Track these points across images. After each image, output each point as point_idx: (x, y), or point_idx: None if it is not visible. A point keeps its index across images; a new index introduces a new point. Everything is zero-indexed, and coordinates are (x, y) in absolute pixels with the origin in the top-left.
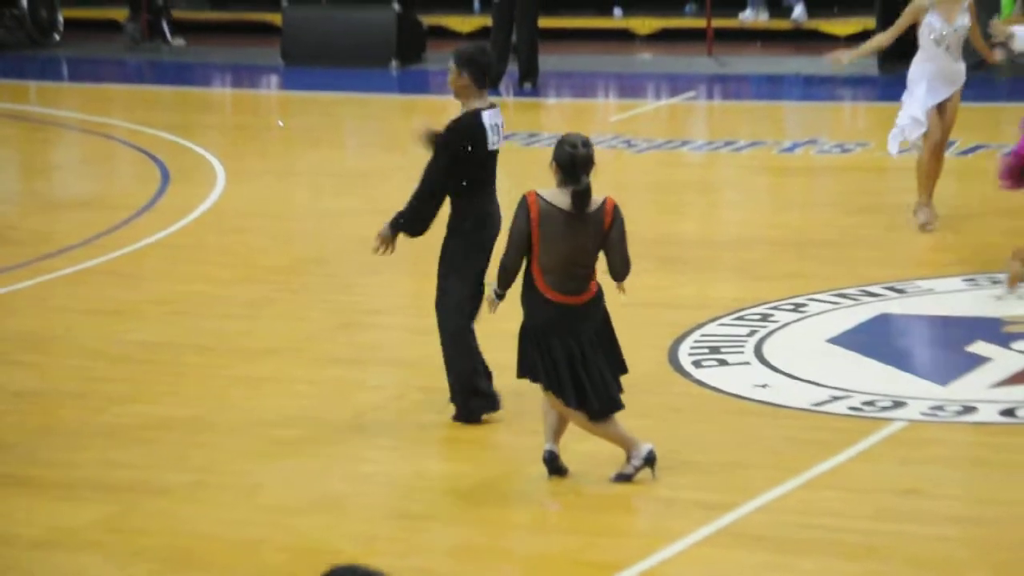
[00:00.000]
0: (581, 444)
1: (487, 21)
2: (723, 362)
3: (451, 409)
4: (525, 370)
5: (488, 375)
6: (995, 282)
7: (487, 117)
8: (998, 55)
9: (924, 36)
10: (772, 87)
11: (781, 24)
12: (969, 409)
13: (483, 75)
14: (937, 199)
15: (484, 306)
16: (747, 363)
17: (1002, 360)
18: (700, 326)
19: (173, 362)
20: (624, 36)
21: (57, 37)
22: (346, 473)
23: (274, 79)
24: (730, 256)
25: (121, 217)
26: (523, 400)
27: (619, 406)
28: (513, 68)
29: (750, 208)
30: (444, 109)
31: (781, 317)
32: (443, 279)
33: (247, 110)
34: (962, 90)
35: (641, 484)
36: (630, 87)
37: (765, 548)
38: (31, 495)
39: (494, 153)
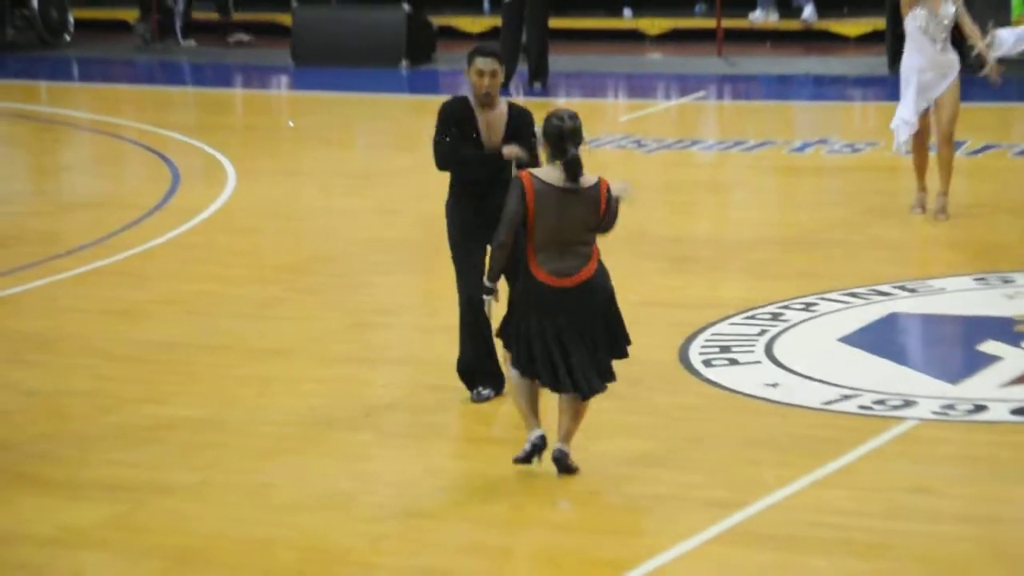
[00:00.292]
0: (593, 443)
1: (497, 21)
2: (734, 361)
3: (461, 407)
4: (501, 334)
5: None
6: (1006, 281)
7: None
8: (994, 73)
9: (910, 25)
10: (782, 87)
11: (791, 24)
12: (980, 408)
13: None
14: (949, 198)
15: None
16: (758, 362)
17: (1013, 359)
18: (711, 325)
19: (183, 362)
20: (634, 36)
21: (68, 37)
22: (355, 472)
23: (284, 79)
24: (740, 255)
25: (131, 217)
26: None
27: (593, 391)
28: (523, 68)
29: (760, 208)
30: None
31: (792, 316)
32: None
33: (257, 110)
34: (959, 81)
35: (651, 483)
36: (640, 87)
37: (775, 547)
38: (40, 494)
39: None
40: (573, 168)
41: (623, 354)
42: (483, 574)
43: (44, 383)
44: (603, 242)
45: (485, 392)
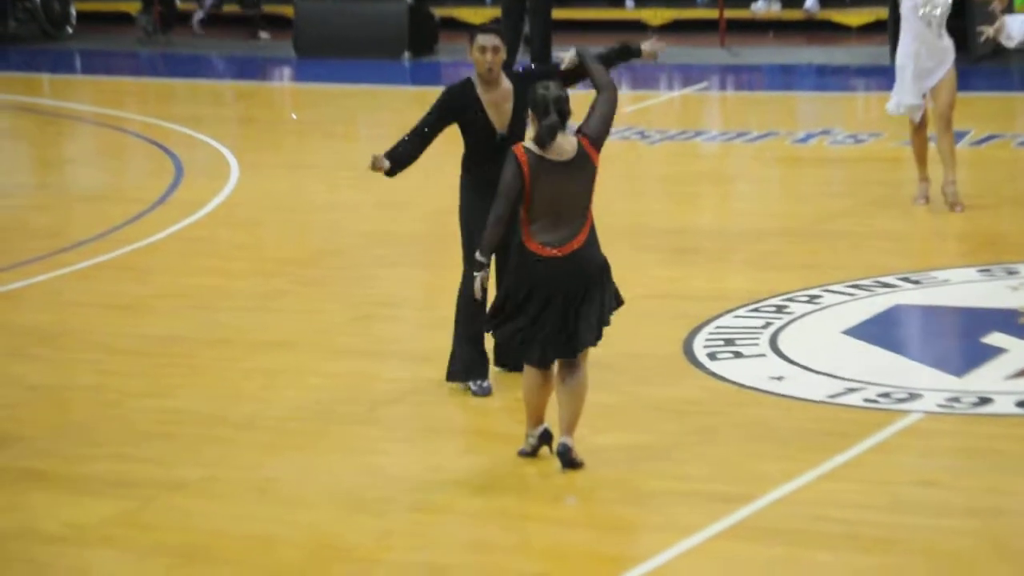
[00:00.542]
0: (597, 437)
1: (499, 12)
2: (738, 354)
3: (466, 402)
4: (495, 326)
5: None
6: (1011, 272)
7: None
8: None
9: (906, 10)
10: (785, 77)
11: (793, 14)
12: (985, 400)
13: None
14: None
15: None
16: (762, 355)
17: (1018, 351)
18: (715, 318)
19: (187, 356)
20: (636, 27)
21: (70, 30)
22: (361, 467)
23: (287, 71)
24: (744, 247)
25: (135, 211)
26: None
27: (573, 352)
28: (525, 59)
29: (763, 199)
30: None
31: (796, 309)
32: None
33: (260, 103)
34: (956, 69)
35: (656, 477)
36: (643, 78)
37: (780, 541)
38: (46, 490)
39: None
40: (547, 134)
41: (607, 321)
42: (489, 570)
43: (48, 378)
44: (605, 234)
45: (485, 384)
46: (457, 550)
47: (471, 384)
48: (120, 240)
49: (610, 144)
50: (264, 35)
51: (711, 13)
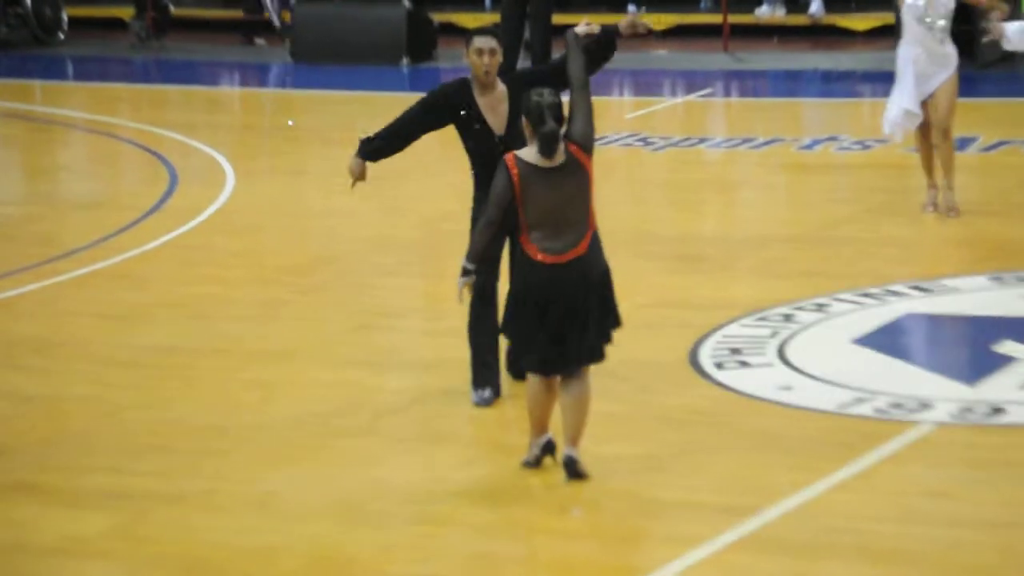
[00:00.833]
0: (603, 447)
1: (499, 18)
2: (745, 364)
3: (469, 412)
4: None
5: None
6: (1022, 280)
7: None
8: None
9: (907, 15)
10: (790, 83)
11: (798, 20)
12: (997, 411)
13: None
14: (961, 196)
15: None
16: (770, 365)
17: None
18: (721, 327)
19: (184, 366)
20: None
21: (62, 36)
22: (362, 478)
23: (283, 77)
24: (749, 255)
25: (129, 218)
26: None
27: (566, 368)
28: (525, 64)
29: (769, 206)
30: None
31: (804, 318)
32: None
33: (256, 109)
34: (958, 76)
35: (662, 488)
36: (646, 84)
37: (790, 554)
38: (41, 502)
39: None
40: (548, 142)
41: (608, 337)
42: None
43: (42, 388)
44: (609, 241)
45: (486, 394)
46: (460, 563)
47: (472, 394)
48: (115, 248)
49: (613, 151)
50: (260, 41)
51: (715, 18)
